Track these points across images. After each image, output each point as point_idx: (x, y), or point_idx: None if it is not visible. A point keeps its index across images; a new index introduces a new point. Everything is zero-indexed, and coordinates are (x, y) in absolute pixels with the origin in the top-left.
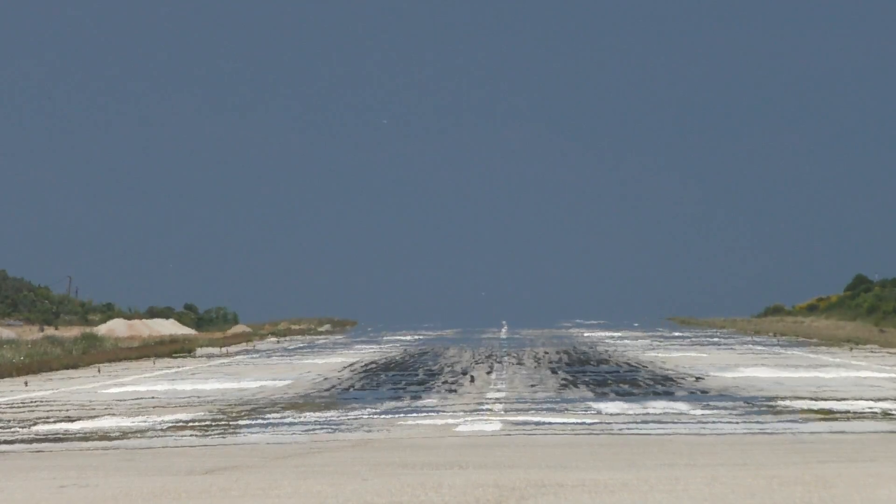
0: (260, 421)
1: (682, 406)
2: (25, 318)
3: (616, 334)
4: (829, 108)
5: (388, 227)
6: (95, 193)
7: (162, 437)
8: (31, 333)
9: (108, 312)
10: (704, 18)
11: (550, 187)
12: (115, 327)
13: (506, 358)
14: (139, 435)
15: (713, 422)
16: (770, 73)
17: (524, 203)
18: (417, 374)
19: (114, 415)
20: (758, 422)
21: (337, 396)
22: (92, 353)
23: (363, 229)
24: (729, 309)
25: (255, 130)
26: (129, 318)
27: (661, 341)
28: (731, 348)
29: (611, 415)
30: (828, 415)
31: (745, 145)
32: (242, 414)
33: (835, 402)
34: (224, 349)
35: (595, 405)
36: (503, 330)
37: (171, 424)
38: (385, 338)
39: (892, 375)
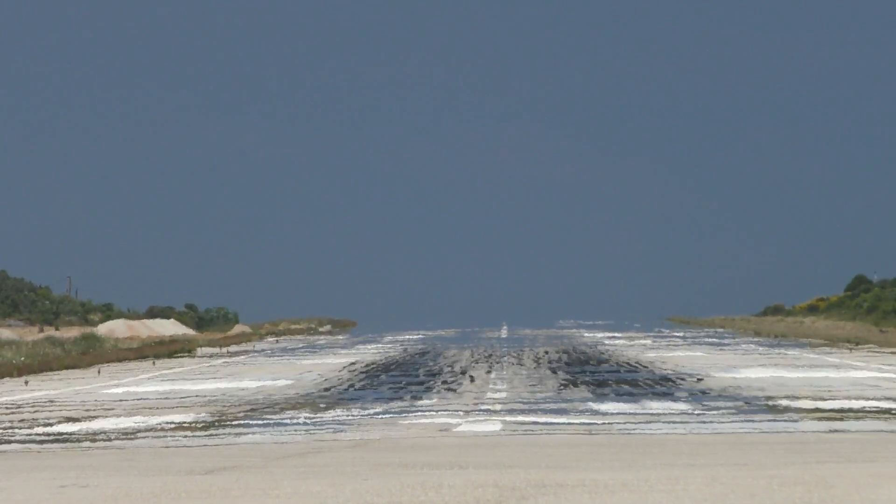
0: (260, 421)
1: (682, 406)
2: (26, 319)
3: (616, 334)
4: (829, 108)
5: (388, 226)
6: (95, 193)
7: (162, 437)
8: (32, 334)
9: (108, 312)
10: (705, 18)
11: (551, 187)
12: (115, 327)
13: (505, 358)
14: (139, 435)
15: (713, 422)
16: (770, 73)
17: (524, 203)
18: (417, 375)
19: (114, 415)
20: (758, 422)
21: (337, 396)
22: (92, 354)
23: (363, 229)
24: (729, 309)
25: (255, 130)
26: (128, 318)
27: (660, 341)
28: (731, 348)
29: (611, 415)
30: (827, 415)
31: (745, 145)
32: (242, 414)
33: (834, 401)
34: (224, 349)
35: (595, 405)
36: (503, 330)
37: (171, 424)
38: (385, 338)
39: (892, 375)
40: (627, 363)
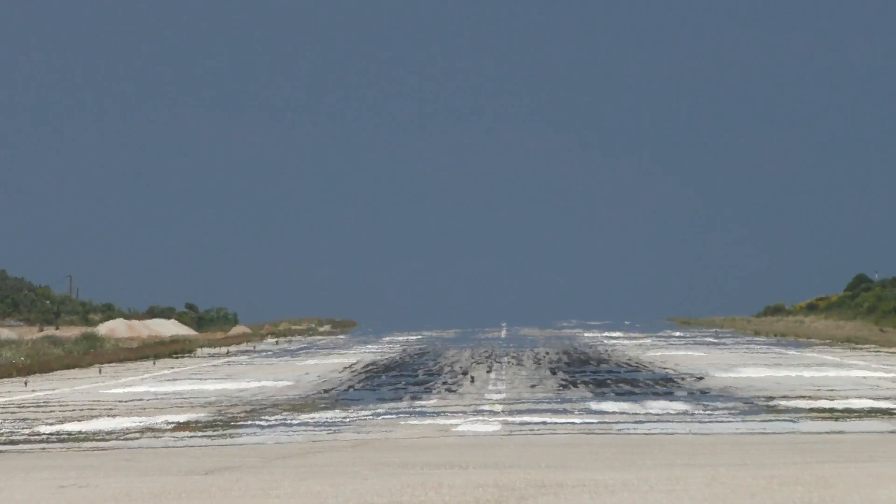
0: (260, 421)
1: (682, 406)
2: (26, 318)
3: (616, 334)
4: (829, 109)
5: (388, 226)
6: (95, 193)
7: (162, 437)
8: (32, 333)
9: (109, 312)
10: (704, 18)
11: (550, 187)
12: (116, 327)
13: (505, 358)
14: (139, 435)
15: (713, 422)
16: (769, 73)
17: (524, 203)
18: (417, 375)
19: (114, 415)
20: (758, 422)
21: (337, 397)
22: (92, 354)
23: (363, 229)
24: (729, 309)
25: (255, 130)
26: (129, 318)
27: (661, 341)
28: (731, 348)
29: (611, 415)
30: (827, 415)
31: (744, 145)
32: (242, 414)
33: (834, 401)
34: (224, 349)
35: (595, 405)
36: (503, 330)
37: (171, 424)
38: (385, 338)
39: (892, 375)
40: (627, 363)
